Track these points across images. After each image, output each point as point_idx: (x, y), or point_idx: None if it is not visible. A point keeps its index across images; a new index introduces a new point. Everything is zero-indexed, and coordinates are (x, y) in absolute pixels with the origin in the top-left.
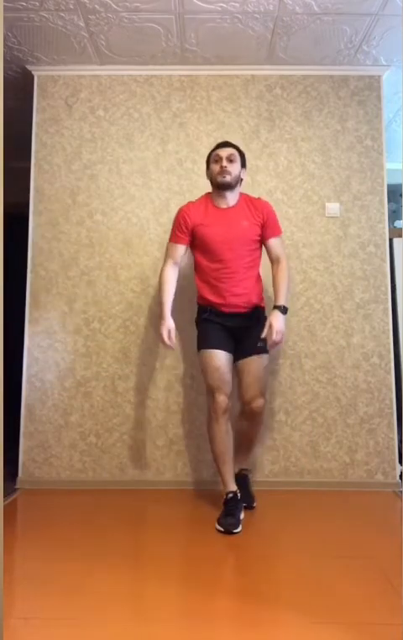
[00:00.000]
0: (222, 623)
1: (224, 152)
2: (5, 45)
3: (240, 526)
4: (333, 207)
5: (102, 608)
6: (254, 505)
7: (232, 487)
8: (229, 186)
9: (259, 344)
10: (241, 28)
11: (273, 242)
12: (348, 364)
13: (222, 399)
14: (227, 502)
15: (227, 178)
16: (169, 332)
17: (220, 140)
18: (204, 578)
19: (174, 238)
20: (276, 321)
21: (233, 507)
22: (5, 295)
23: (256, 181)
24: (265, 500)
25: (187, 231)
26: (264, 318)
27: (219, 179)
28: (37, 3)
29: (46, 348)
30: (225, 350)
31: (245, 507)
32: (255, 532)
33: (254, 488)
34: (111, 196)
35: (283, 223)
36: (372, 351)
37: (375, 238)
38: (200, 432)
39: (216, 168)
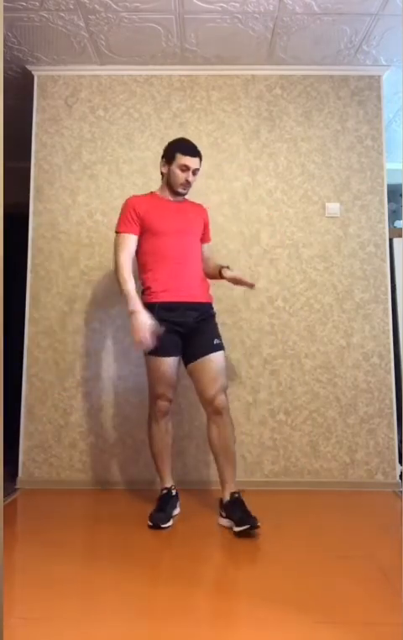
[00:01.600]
0: (222, 623)
1: (193, 164)
2: (5, 45)
3: (170, 521)
4: (333, 207)
5: (102, 608)
6: (259, 524)
7: (167, 484)
8: (184, 195)
9: (215, 341)
10: (241, 28)
11: (206, 247)
12: (348, 364)
13: (163, 404)
14: (160, 498)
15: (187, 190)
16: (148, 327)
17: (220, 140)
18: (204, 577)
19: (122, 227)
20: (233, 270)
21: (165, 503)
22: (5, 295)
23: (256, 181)
24: (265, 501)
25: (137, 220)
26: (214, 317)
27: (180, 189)
28: (37, 3)
29: (46, 348)
30: (175, 356)
31: (249, 529)
32: (255, 531)
33: (254, 488)
34: (111, 196)
35: (283, 223)
36: (372, 351)
37: (375, 238)
38: (199, 432)
39: (180, 177)
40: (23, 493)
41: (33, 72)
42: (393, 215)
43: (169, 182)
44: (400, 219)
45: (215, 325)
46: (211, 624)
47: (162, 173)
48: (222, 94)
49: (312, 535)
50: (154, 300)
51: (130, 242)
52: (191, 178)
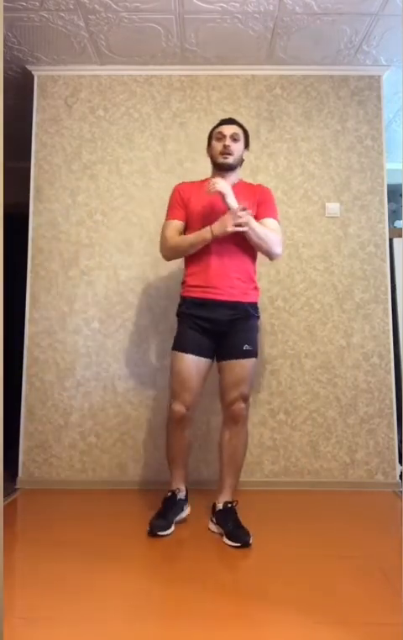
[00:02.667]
0: (222, 623)
1: (228, 130)
2: (5, 45)
3: (171, 527)
4: (333, 207)
5: (102, 608)
6: (251, 540)
7: (175, 486)
8: (230, 168)
9: (245, 347)
10: (241, 28)
11: (266, 221)
12: (348, 364)
13: (178, 409)
14: (164, 501)
15: (229, 159)
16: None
17: None
18: (204, 578)
19: (168, 215)
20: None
21: (167, 509)
22: (5, 295)
23: (256, 181)
24: (265, 501)
25: (182, 206)
26: (256, 320)
27: (221, 159)
28: (37, 3)
29: (46, 348)
30: (196, 355)
31: (241, 546)
32: (255, 532)
33: (254, 488)
34: (111, 196)
35: (283, 223)
36: (372, 351)
37: (375, 238)
38: (201, 432)
39: (218, 146)
40: (23, 493)
41: (33, 72)
42: (393, 215)
43: (212, 160)
44: (400, 219)
45: (252, 328)
46: (210, 624)
47: (209, 156)
48: (222, 94)
49: (312, 535)
50: (186, 294)
51: (174, 227)
52: (229, 142)
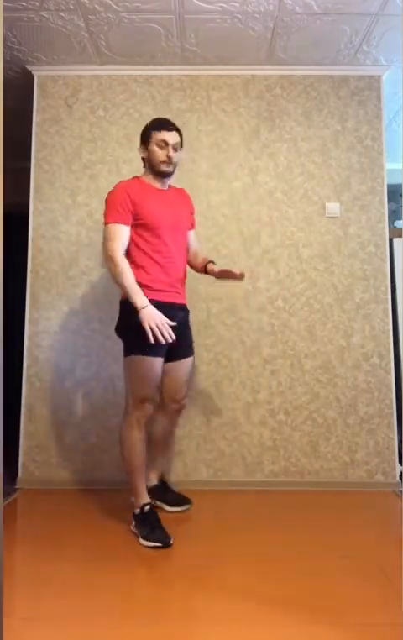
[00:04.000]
0: (221, 623)
1: (172, 139)
2: (5, 45)
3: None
4: (333, 207)
5: (102, 608)
6: (190, 502)
7: (147, 498)
8: (170, 175)
9: (192, 345)
10: (241, 28)
11: (192, 234)
12: (348, 364)
13: (150, 408)
14: (148, 515)
15: (171, 167)
16: (165, 320)
17: (220, 140)
18: (204, 578)
19: (115, 216)
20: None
21: (157, 520)
22: (5, 295)
23: (256, 182)
24: (265, 501)
25: (130, 210)
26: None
27: (163, 167)
28: (37, 3)
29: (46, 348)
30: (162, 356)
31: (186, 509)
32: (255, 531)
33: (254, 488)
34: None
35: (283, 223)
36: (372, 351)
37: (375, 238)
38: (199, 432)
39: (160, 155)
40: (23, 493)
41: (33, 72)
42: (393, 215)
43: (151, 165)
44: (400, 219)
45: (191, 328)
46: (210, 624)
47: (143, 159)
48: (222, 94)
49: (312, 535)
50: (150, 298)
51: (124, 233)
52: (172, 153)
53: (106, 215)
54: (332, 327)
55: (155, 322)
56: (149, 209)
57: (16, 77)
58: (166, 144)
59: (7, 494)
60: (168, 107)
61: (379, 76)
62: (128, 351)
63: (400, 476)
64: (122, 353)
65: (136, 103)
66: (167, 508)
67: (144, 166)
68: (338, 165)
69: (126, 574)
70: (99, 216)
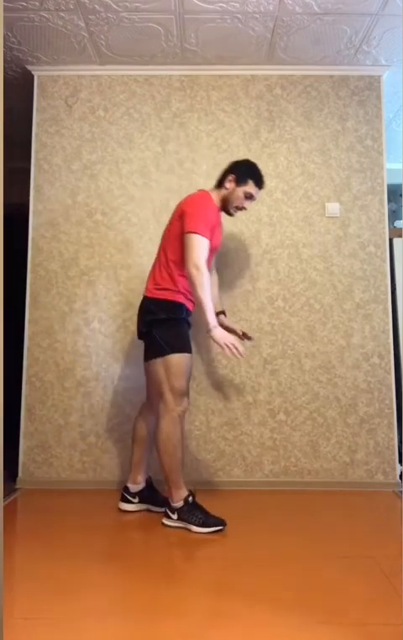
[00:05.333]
0: (221, 623)
1: (258, 196)
2: (5, 45)
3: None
4: (333, 207)
5: (102, 608)
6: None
7: (186, 490)
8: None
9: None
10: (241, 28)
11: (213, 261)
12: (348, 364)
13: (187, 401)
14: (194, 504)
15: (236, 214)
16: (233, 338)
17: (220, 140)
18: (204, 578)
19: (206, 232)
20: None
21: (203, 507)
22: (5, 295)
23: None
24: (265, 501)
25: (211, 230)
26: None
27: (233, 211)
28: (37, 3)
29: (46, 348)
30: None
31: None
32: (255, 532)
33: (254, 488)
34: (111, 196)
35: (283, 223)
36: (372, 351)
37: (375, 238)
38: (200, 432)
39: (241, 203)
40: (23, 493)
41: (33, 72)
42: (393, 215)
43: (227, 200)
44: (400, 219)
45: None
46: (210, 624)
47: (224, 185)
48: (222, 94)
49: (312, 535)
50: (180, 301)
51: (206, 247)
52: (248, 205)
53: (193, 224)
54: (332, 327)
55: (230, 340)
56: (216, 236)
57: (16, 77)
58: (251, 197)
59: (7, 494)
60: (168, 107)
61: (379, 76)
62: (166, 351)
63: (400, 476)
64: (122, 353)
65: (136, 103)
66: (156, 509)
67: (218, 187)
68: (338, 165)
69: (126, 573)
70: (99, 216)
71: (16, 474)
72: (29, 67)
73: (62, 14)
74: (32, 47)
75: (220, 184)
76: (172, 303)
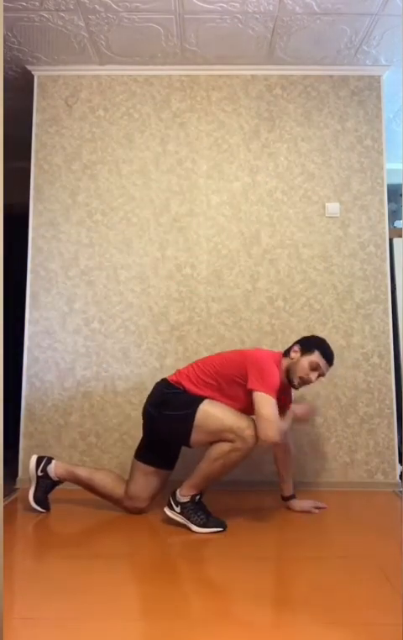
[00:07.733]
0: (220, 623)
1: (326, 370)
2: (5, 45)
3: None
4: (333, 207)
5: (102, 608)
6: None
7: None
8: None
9: None
10: (241, 28)
11: None
12: (348, 364)
13: (253, 423)
14: (199, 504)
15: (300, 387)
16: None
17: (220, 140)
18: (204, 578)
19: (272, 392)
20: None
21: (207, 509)
22: (5, 295)
23: (256, 182)
24: (265, 501)
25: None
26: None
27: (298, 384)
28: (37, 3)
29: (46, 348)
30: None
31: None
32: (255, 532)
33: (254, 488)
34: (111, 196)
35: (283, 223)
36: (372, 351)
37: (375, 238)
38: None
39: (307, 375)
40: (23, 493)
41: (33, 72)
42: (393, 215)
43: (292, 371)
44: (400, 219)
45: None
46: (210, 624)
47: (291, 355)
48: (222, 94)
49: (312, 535)
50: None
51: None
52: (314, 379)
53: (263, 383)
54: (332, 327)
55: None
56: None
57: (16, 77)
58: (317, 369)
59: (7, 494)
60: (168, 107)
61: (379, 76)
62: (192, 407)
63: (400, 476)
64: (122, 353)
65: (136, 103)
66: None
67: (285, 356)
68: (338, 165)
69: (126, 573)
70: (99, 216)
71: (16, 474)
72: (29, 67)
73: (62, 14)
74: (32, 47)
75: (286, 354)
76: (191, 394)
